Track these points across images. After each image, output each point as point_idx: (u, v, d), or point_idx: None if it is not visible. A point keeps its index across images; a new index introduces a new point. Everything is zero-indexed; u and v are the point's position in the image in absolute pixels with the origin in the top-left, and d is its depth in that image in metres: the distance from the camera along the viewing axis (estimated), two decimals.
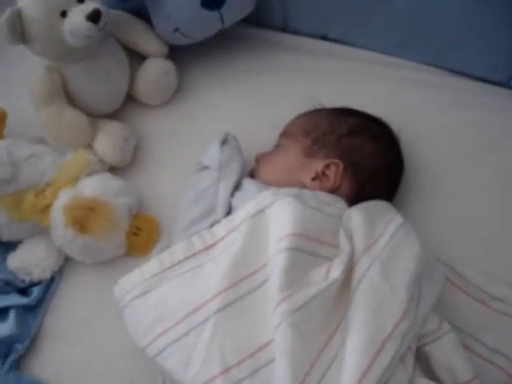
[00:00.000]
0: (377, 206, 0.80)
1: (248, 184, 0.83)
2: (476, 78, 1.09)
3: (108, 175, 0.92)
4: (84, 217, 0.83)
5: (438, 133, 1.01)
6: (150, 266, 0.76)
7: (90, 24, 0.84)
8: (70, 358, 0.85)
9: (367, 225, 0.74)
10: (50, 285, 0.89)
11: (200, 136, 0.99)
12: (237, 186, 0.83)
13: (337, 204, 0.78)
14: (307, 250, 0.70)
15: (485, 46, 1.03)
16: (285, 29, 1.17)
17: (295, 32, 1.16)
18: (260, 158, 0.92)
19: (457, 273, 0.85)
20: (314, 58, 1.13)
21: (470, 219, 0.93)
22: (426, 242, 0.77)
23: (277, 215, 0.73)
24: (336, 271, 0.68)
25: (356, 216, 0.75)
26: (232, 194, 0.82)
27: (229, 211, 0.81)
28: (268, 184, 0.83)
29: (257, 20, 1.14)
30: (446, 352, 0.72)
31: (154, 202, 0.96)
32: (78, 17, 0.84)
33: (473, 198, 0.95)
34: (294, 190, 0.78)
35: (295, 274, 0.68)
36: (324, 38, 1.15)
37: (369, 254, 0.71)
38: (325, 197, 0.79)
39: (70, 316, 0.88)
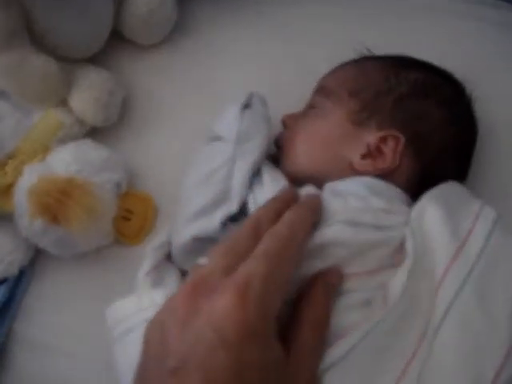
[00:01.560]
0: (452, 190, 0.62)
1: (267, 177, 0.65)
2: None
3: (87, 143, 0.75)
4: (56, 204, 0.66)
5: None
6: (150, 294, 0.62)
7: None
8: (46, 371, 0.73)
9: (448, 222, 0.56)
10: (18, 283, 0.77)
11: (209, 87, 0.84)
12: (258, 170, 0.65)
13: (398, 206, 0.60)
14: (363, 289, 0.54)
15: None
16: None
17: None
18: (289, 122, 0.73)
19: None
20: None
21: None
22: None
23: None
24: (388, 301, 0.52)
25: (431, 210, 0.57)
26: (251, 181, 0.63)
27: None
28: (299, 171, 0.67)
29: None
30: None
31: (150, 175, 0.80)
32: None
33: None
34: (341, 211, 0.56)
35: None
36: None
37: (458, 268, 0.53)
38: (380, 201, 0.59)
39: (45, 321, 0.76)
